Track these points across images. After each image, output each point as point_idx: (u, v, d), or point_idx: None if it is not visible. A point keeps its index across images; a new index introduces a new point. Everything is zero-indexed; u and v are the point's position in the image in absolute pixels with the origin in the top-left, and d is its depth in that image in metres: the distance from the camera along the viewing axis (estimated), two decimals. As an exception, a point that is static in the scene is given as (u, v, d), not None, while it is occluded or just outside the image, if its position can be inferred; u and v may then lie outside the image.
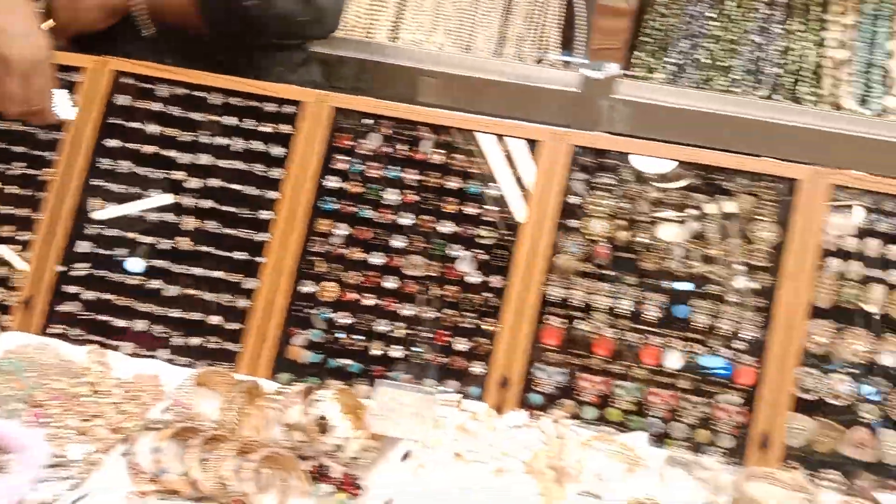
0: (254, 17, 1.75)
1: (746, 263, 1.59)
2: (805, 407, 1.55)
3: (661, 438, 1.58)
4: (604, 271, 1.63)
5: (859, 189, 1.58)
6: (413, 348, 1.65)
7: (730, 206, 1.61)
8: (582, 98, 2.22)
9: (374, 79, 2.33)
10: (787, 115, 2.18)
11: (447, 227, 1.66)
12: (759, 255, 1.58)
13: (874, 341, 1.55)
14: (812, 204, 1.56)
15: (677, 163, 1.63)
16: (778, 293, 1.55)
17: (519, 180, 1.66)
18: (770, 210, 1.59)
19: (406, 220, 1.67)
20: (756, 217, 1.60)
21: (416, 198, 1.68)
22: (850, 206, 1.58)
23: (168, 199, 1.75)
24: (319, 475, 1.33)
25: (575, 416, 1.60)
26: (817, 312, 1.56)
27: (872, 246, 1.57)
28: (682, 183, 1.65)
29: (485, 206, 1.66)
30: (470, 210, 1.66)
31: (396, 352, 1.66)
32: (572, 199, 1.64)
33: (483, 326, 1.64)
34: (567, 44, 2.30)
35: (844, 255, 1.57)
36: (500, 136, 1.67)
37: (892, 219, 1.57)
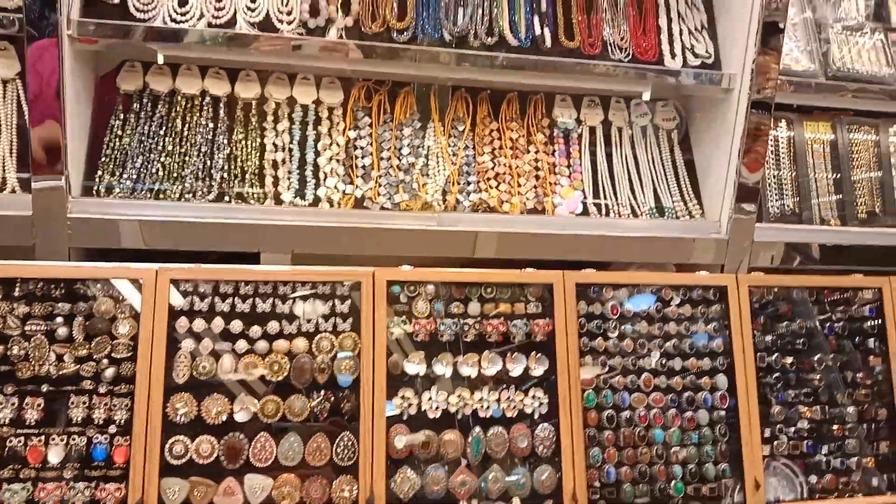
0: None
1: (110, 357, 1.82)
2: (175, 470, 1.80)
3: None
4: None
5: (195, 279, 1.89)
6: None
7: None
8: (39, 219, 2.36)
9: None
10: (235, 213, 2.51)
11: None
12: (122, 347, 1.83)
13: (228, 404, 1.86)
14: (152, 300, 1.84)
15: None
16: (138, 377, 1.80)
17: None
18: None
19: None
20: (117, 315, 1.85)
21: None
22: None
23: None
24: None
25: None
26: (176, 387, 1.83)
27: (217, 324, 1.89)
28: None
29: None
30: None
31: None
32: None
33: None
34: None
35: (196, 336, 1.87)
36: None
37: (227, 300, 1.90)
